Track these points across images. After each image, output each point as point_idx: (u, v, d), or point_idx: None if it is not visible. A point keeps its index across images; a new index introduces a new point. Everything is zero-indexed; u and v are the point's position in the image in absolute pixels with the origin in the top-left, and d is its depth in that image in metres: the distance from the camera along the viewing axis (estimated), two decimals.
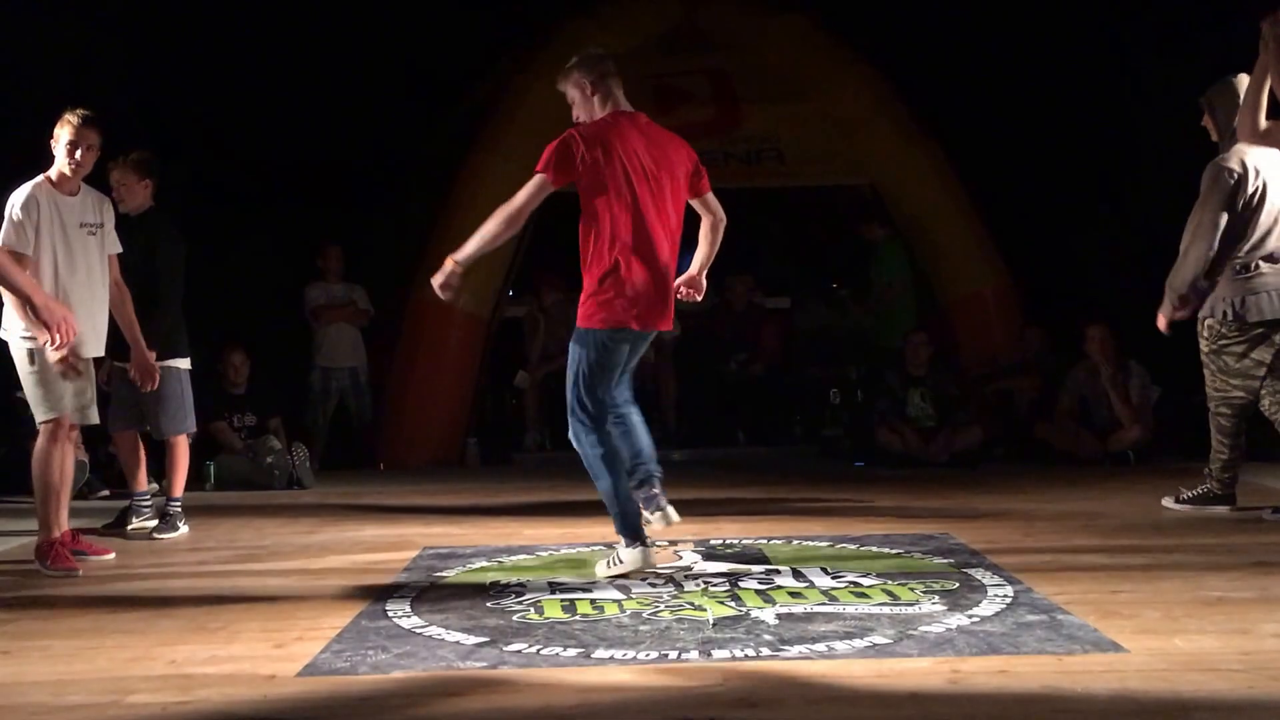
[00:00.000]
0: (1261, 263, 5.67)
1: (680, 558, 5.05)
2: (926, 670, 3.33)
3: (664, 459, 9.14)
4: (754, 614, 4.00)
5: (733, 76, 10.02)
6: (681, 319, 9.85)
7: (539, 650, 3.60)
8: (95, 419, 5.52)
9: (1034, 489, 7.15)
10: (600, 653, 3.56)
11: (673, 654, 3.53)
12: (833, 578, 4.55)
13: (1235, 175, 5.62)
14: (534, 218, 9.59)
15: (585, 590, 4.45)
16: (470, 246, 4.67)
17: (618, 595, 4.34)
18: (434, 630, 3.88)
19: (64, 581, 4.97)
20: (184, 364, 6.23)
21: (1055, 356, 9.13)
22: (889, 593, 4.27)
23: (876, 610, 4.02)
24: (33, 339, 5.11)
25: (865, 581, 4.47)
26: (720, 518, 6.22)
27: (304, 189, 9.41)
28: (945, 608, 4.02)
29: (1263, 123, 5.44)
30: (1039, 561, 4.80)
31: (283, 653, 3.66)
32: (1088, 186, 9.60)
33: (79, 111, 5.25)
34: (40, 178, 5.24)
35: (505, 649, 3.62)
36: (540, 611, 4.11)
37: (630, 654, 3.54)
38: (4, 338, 5.25)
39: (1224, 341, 5.78)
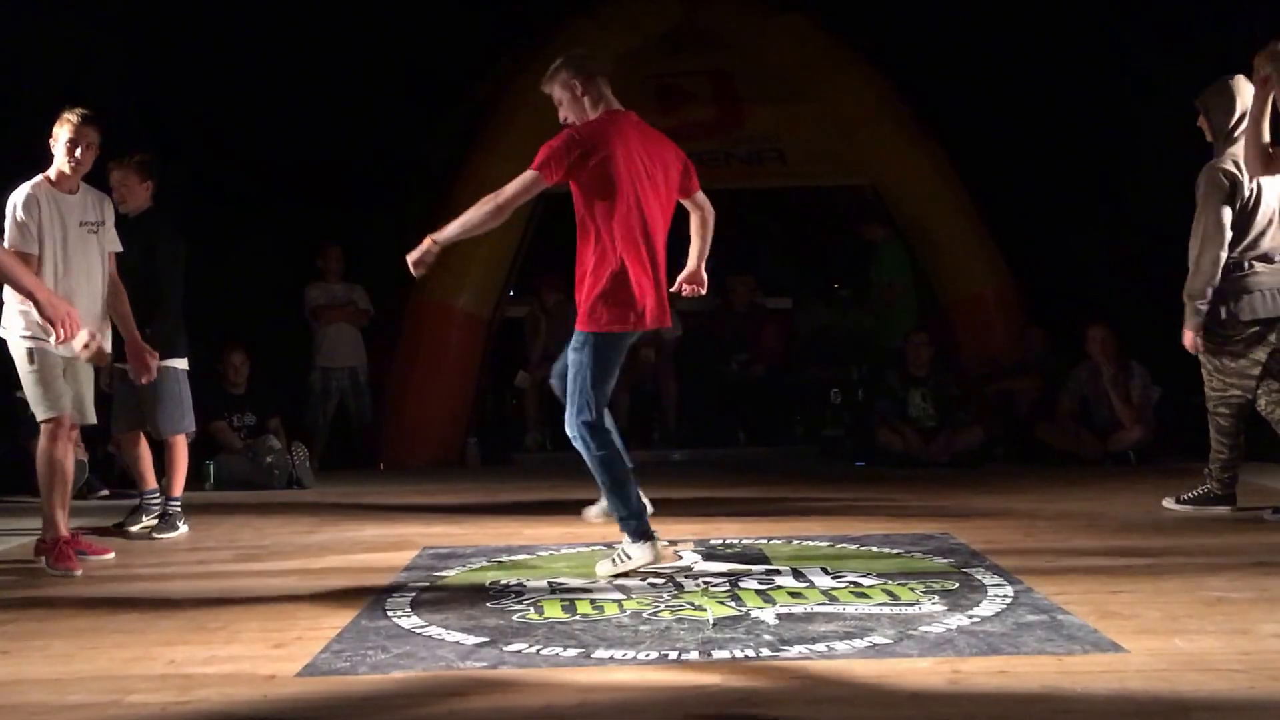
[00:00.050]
0: (1256, 262, 5.69)
1: (680, 558, 5.05)
2: (927, 670, 3.32)
3: (664, 459, 9.30)
4: (754, 614, 4.00)
5: (734, 77, 10.02)
6: (683, 319, 9.90)
7: (539, 650, 3.60)
8: (94, 419, 5.52)
9: (1034, 489, 7.14)
10: (600, 653, 3.56)
11: (673, 654, 3.53)
12: (833, 578, 4.55)
13: (1231, 177, 5.65)
14: (535, 217, 9.64)
15: (585, 590, 4.45)
16: (451, 230, 4.66)
17: (618, 595, 4.34)
18: (434, 630, 3.87)
19: (64, 581, 4.97)
20: (182, 364, 6.23)
21: (1056, 357, 9.13)
22: (889, 593, 4.27)
23: (877, 610, 4.02)
24: (32, 338, 5.11)
25: (865, 581, 4.46)
26: (720, 518, 6.22)
27: (304, 189, 9.41)
28: (945, 608, 4.02)
29: (1269, 150, 5.45)
30: (1039, 562, 4.80)
31: (282, 653, 3.66)
32: (1088, 187, 9.59)
33: (78, 110, 5.26)
34: (39, 177, 5.25)
35: (505, 649, 3.62)
36: (540, 611, 4.11)
37: (630, 654, 3.53)
38: (3, 336, 5.25)
39: (1219, 341, 5.79)
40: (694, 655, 3.51)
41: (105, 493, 7.81)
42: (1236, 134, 5.72)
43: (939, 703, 3.07)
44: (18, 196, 5.16)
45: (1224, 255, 5.65)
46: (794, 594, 4.29)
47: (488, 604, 4.25)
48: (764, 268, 11.15)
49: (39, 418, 5.22)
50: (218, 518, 6.69)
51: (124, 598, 4.58)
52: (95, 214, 5.39)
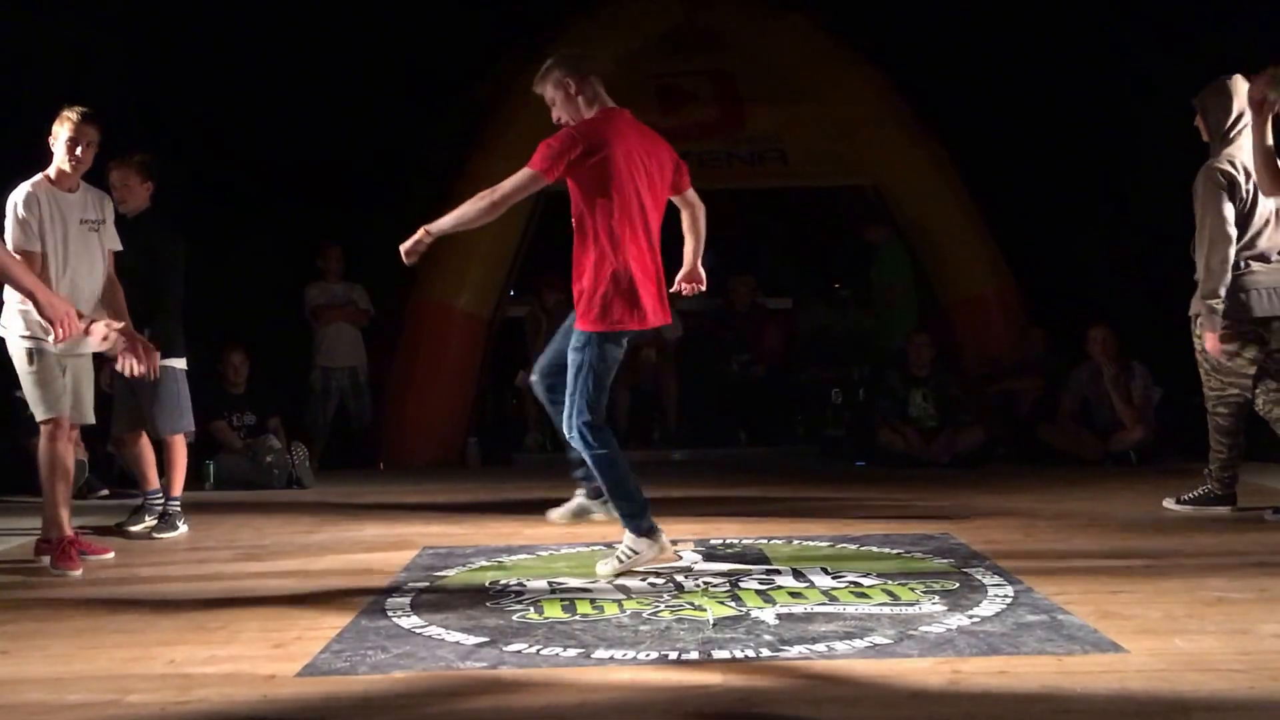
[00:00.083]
0: (1253, 262, 5.70)
1: (680, 558, 5.05)
2: (927, 670, 3.32)
3: (665, 459, 9.29)
4: (754, 614, 4.00)
5: (735, 77, 10.02)
6: (684, 319, 9.90)
7: (539, 650, 3.59)
8: (92, 419, 5.53)
9: (1035, 489, 7.14)
10: (600, 653, 3.55)
11: (673, 654, 3.52)
12: (833, 578, 4.55)
13: (1229, 176, 5.65)
14: (535, 217, 9.63)
15: (585, 590, 4.45)
16: (446, 222, 4.69)
17: (618, 595, 4.33)
18: (434, 630, 3.87)
19: (64, 581, 4.96)
20: (181, 364, 6.23)
21: (1057, 357, 9.14)
22: (889, 593, 4.27)
23: (877, 610, 4.02)
24: (31, 338, 5.11)
25: (865, 581, 4.46)
26: (720, 518, 6.21)
27: (304, 189, 9.41)
28: (945, 608, 4.01)
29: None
30: (1039, 562, 4.80)
31: (282, 653, 3.65)
32: (1089, 187, 9.60)
33: (77, 108, 5.25)
34: (39, 176, 5.24)
35: (505, 649, 3.62)
36: (540, 611, 4.11)
37: (630, 654, 3.53)
38: (3, 335, 5.25)
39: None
40: (694, 655, 3.51)
41: (105, 492, 7.81)
42: (1233, 134, 5.73)
43: (939, 703, 3.07)
44: (18, 195, 5.16)
45: (1233, 252, 5.64)
46: (794, 594, 4.29)
47: (488, 604, 4.25)
48: (765, 268, 11.15)
49: (37, 418, 5.22)
50: (218, 517, 6.68)
51: (124, 598, 4.58)
52: (95, 212, 5.39)
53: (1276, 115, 5.46)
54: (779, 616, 3.96)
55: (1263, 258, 5.70)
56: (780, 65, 9.90)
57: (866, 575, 4.57)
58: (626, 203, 4.61)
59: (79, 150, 5.24)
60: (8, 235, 5.10)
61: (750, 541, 5.44)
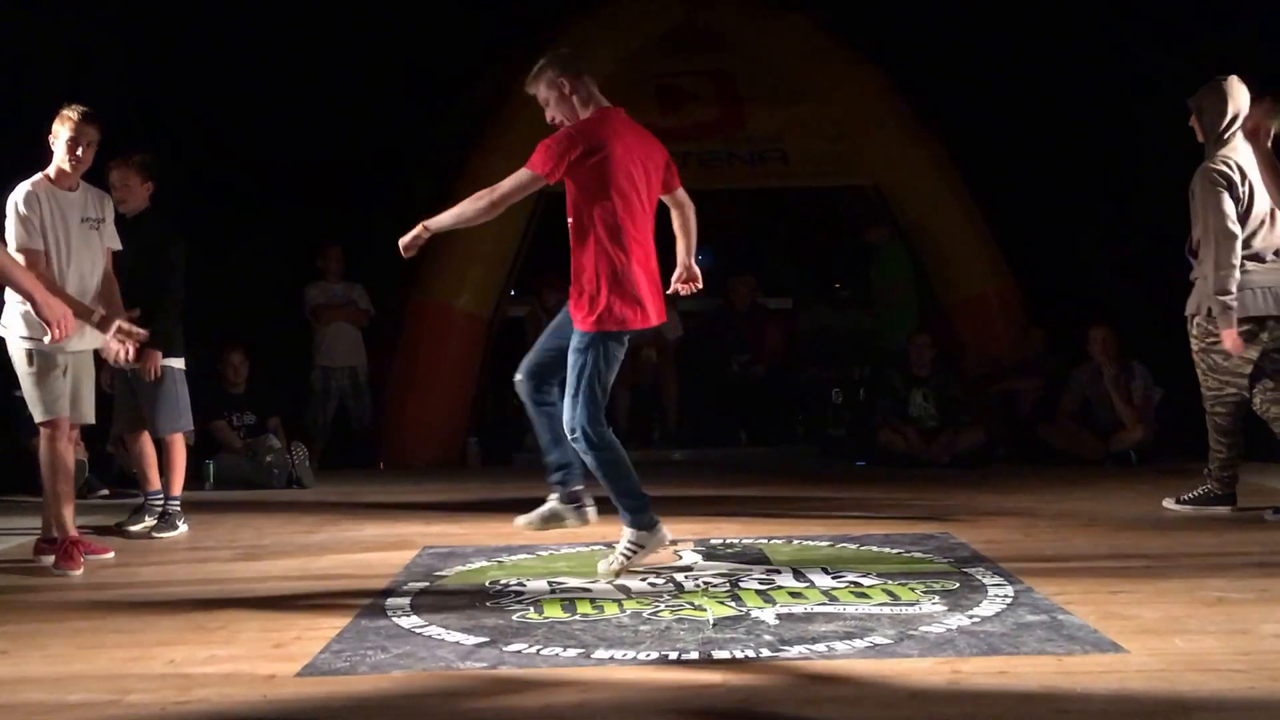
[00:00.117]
0: (1248, 261, 5.70)
1: (680, 558, 5.05)
2: (927, 670, 3.32)
3: (665, 459, 9.29)
4: (754, 614, 4.00)
5: (736, 77, 10.03)
6: (684, 319, 9.90)
7: (539, 650, 3.59)
8: (92, 419, 5.52)
9: (1035, 489, 7.14)
10: (600, 653, 3.55)
11: (673, 654, 3.52)
12: (833, 578, 4.55)
13: (1226, 175, 5.66)
14: (535, 217, 9.62)
15: (585, 590, 4.45)
16: (444, 220, 4.69)
17: (618, 595, 4.33)
18: (434, 630, 3.87)
19: (64, 581, 4.96)
20: (179, 364, 6.24)
21: (1058, 357, 9.14)
22: (889, 593, 4.26)
23: (877, 610, 4.02)
24: (31, 339, 5.10)
25: (866, 581, 4.46)
26: (720, 518, 6.22)
27: (304, 189, 9.40)
28: (946, 608, 4.01)
29: None
30: (1039, 562, 4.80)
31: (282, 653, 3.65)
32: (1090, 187, 9.59)
33: (78, 108, 5.25)
34: (38, 175, 5.24)
35: (505, 649, 3.62)
36: (540, 611, 4.11)
37: (630, 654, 3.53)
38: (3, 335, 5.25)
39: (1211, 340, 5.80)
40: (694, 655, 3.51)
41: (105, 492, 7.80)
42: (1227, 135, 5.74)
43: (939, 703, 3.07)
44: (17, 195, 5.16)
45: (1239, 247, 5.63)
46: (794, 594, 4.29)
47: (488, 604, 4.25)
48: (766, 268, 11.15)
49: (36, 419, 5.22)
50: (217, 517, 6.68)
51: (124, 598, 4.58)
52: (96, 211, 5.40)
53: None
54: (779, 616, 3.96)
55: (1258, 257, 5.71)
56: (781, 65, 9.90)
57: (866, 575, 4.57)
58: (627, 202, 4.61)
59: (79, 150, 5.24)
60: (10, 235, 5.11)
61: (750, 541, 5.44)
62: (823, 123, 9.79)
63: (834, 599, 4.19)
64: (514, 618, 4.01)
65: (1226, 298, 5.63)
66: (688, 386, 10.00)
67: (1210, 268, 5.68)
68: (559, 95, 4.70)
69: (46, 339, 4.86)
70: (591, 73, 4.76)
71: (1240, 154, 5.71)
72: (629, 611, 4.07)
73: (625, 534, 4.72)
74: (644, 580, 4.59)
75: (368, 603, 4.29)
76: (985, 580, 4.44)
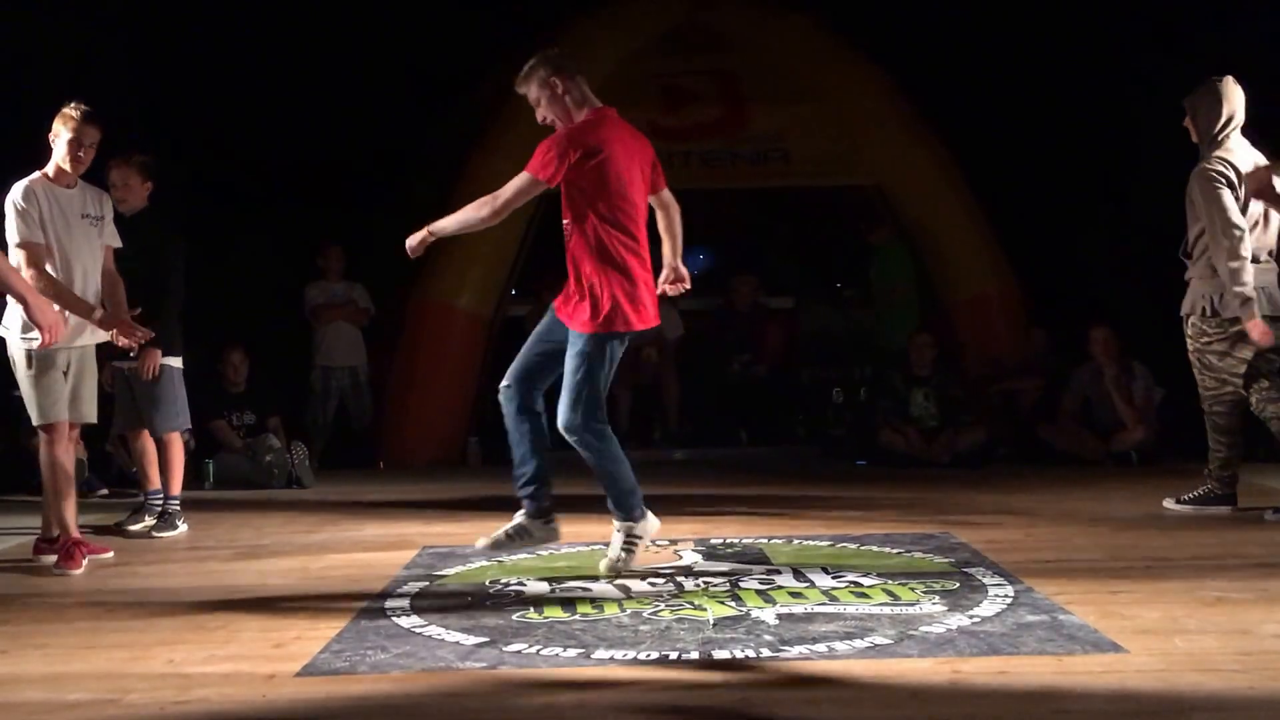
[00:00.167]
0: None
1: (680, 557, 5.05)
2: (927, 670, 3.32)
3: (666, 458, 9.28)
4: (754, 614, 3.99)
5: (739, 77, 10.02)
6: (686, 319, 9.90)
7: (539, 650, 3.59)
8: (94, 418, 5.52)
9: (1036, 489, 7.14)
10: (600, 653, 3.55)
11: (673, 654, 3.52)
12: (833, 577, 4.54)
13: (1224, 175, 5.65)
14: (536, 217, 9.62)
15: (585, 590, 4.44)
16: (448, 225, 4.72)
17: (618, 595, 4.33)
18: (433, 630, 3.87)
19: (63, 581, 4.97)
20: (177, 362, 6.24)
21: (1059, 357, 9.13)
22: (890, 593, 4.26)
23: (877, 610, 4.01)
24: (31, 341, 5.10)
25: (866, 581, 4.46)
26: (720, 517, 6.22)
27: (304, 189, 9.40)
28: (946, 608, 4.01)
29: None
30: (1040, 561, 4.80)
31: (282, 652, 3.65)
32: (1091, 187, 9.59)
33: (80, 107, 5.25)
34: (36, 174, 5.24)
35: (505, 649, 3.62)
36: (540, 611, 4.10)
37: (630, 654, 3.53)
38: (4, 335, 5.24)
39: (1206, 339, 5.81)
40: (694, 655, 3.51)
41: (104, 491, 7.80)
42: (1221, 137, 5.73)
43: (939, 703, 3.07)
44: (15, 192, 5.16)
45: (1248, 239, 5.61)
46: (794, 594, 4.28)
47: (488, 604, 4.25)
48: (767, 267, 11.14)
49: (33, 422, 5.23)
50: (217, 516, 6.68)
51: (123, 597, 4.58)
52: (95, 209, 5.40)
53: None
54: (779, 616, 3.96)
55: (1252, 258, 5.70)
56: (783, 65, 9.90)
57: (867, 575, 4.57)
58: (626, 203, 4.61)
59: (81, 152, 5.25)
60: (10, 230, 5.10)
61: (750, 541, 5.44)
62: (825, 122, 9.79)
63: (834, 599, 4.19)
64: (514, 618, 4.01)
65: (1244, 289, 5.58)
66: (688, 386, 10.00)
67: (1221, 264, 5.63)
68: (551, 95, 4.67)
69: (36, 343, 4.88)
70: (584, 72, 4.75)
71: (1236, 155, 5.70)
72: (629, 611, 4.07)
73: (621, 528, 4.72)
74: (644, 580, 4.58)
75: (367, 603, 4.29)
76: (985, 580, 4.44)
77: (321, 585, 4.72)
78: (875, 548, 5.21)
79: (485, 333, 9.66)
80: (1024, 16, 9.49)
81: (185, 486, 6.35)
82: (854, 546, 5.26)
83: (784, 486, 7.59)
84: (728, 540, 5.46)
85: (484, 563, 5.05)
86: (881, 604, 4.10)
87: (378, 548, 5.56)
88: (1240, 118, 5.74)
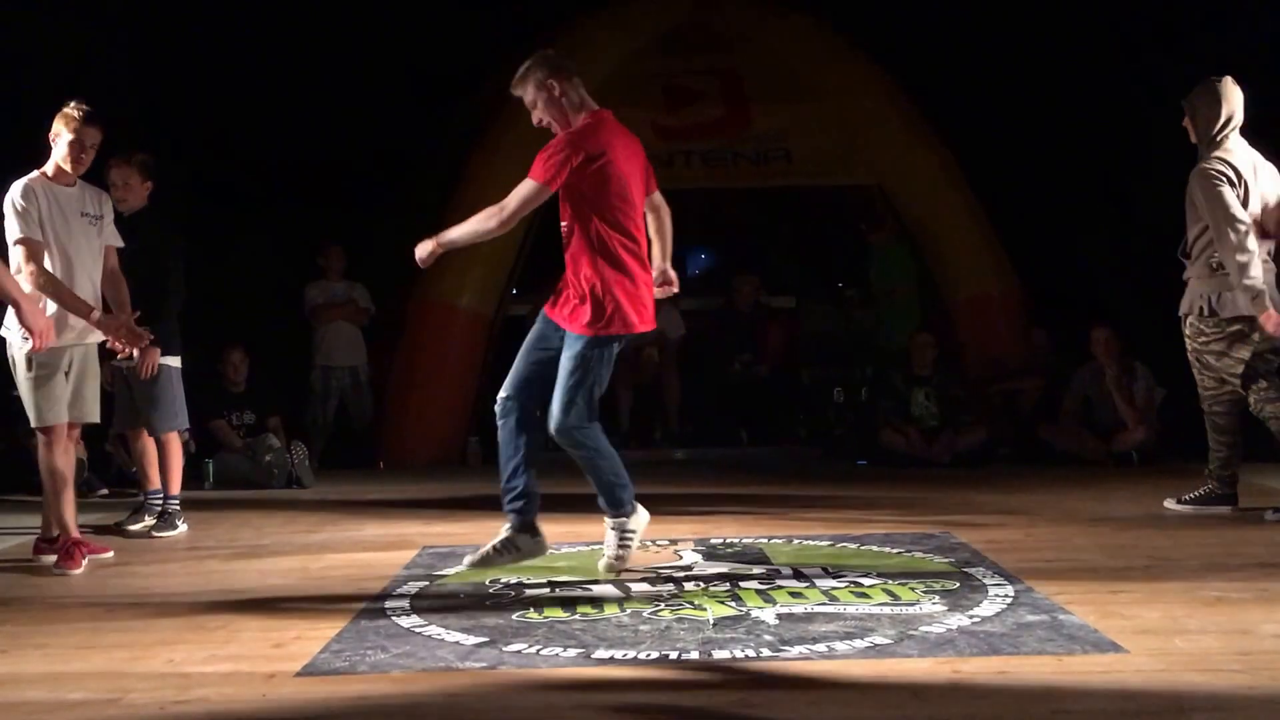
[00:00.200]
0: None
1: (680, 557, 5.05)
2: (927, 670, 3.32)
3: (666, 458, 9.28)
4: (754, 614, 3.99)
5: (741, 77, 10.03)
6: (687, 318, 9.90)
7: (539, 650, 3.59)
8: (96, 418, 5.52)
9: (1036, 489, 7.13)
10: (600, 653, 3.55)
11: (673, 654, 3.52)
12: (833, 577, 4.54)
13: (1225, 175, 5.65)
14: (536, 216, 9.61)
15: (585, 590, 4.44)
16: (457, 237, 4.71)
17: (618, 595, 4.33)
18: (433, 630, 3.87)
19: (63, 580, 4.96)
20: (176, 362, 6.24)
21: (1060, 357, 9.13)
22: (890, 593, 4.26)
23: (877, 610, 4.01)
24: (28, 344, 5.10)
25: (866, 581, 4.46)
26: (721, 517, 6.21)
27: (304, 189, 9.41)
28: (946, 608, 4.01)
29: None
30: (1040, 561, 4.80)
31: (282, 652, 3.65)
32: (1093, 188, 9.59)
33: (81, 108, 5.24)
34: (35, 173, 5.24)
35: (505, 649, 3.61)
36: (540, 611, 4.10)
37: (630, 654, 3.53)
38: (4, 336, 5.24)
39: (1204, 339, 5.80)
40: (694, 655, 3.51)
41: (104, 491, 7.81)
42: (1219, 138, 5.72)
43: (939, 703, 3.07)
44: (14, 191, 5.15)
45: (1254, 233, 5.60)
46: (794, 594, 4.28)
47: (488, 604, 4.25)
48: (769, 267, 11.14)
49: (32, 424, 5.22)
50: (217, 517, 6.68)
51: (123, 597, 4.58)
52: (94, 208, 5.40)
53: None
54: (779, 616, 3.95)
55: None
56: (785, 65, 9.91)
57: (867, 575, 4.57)
58: (626, 206, 4.61)
59: (83, 153, 5.25)
60: (10, 228, 5.10)
61: (750, 541, 5.43)
62: (827, 122, 9.79)
63: (834, 599, 4.18)
64: (514, 618, 4.01)
65: (1254, 282, 5.51)
66: (689, 386, 10.00)
67: (1229, 260, 5.58)
68: (549, 97, 4.65)
69: (27, 347, 4.88)
70: (580, 74, 4.74)
71: (1235, 155, 5.69)
72: (629, 611, 4.07)
73: (614, 525, 4.72)
74: (644, 580, 4.58)
75: (367, 603, 4.29)
76: (985, 580, 4.43)
77: (321, 585, 4.72)
78: (875, 548, 5.20)
79: (486, 332, 9.66)
80: (1024, 17, 9.50)
81: (185, 486, 6.36)
82: (854, 546, 5.26)
83: (784, 486, 7.59)
84: (728, 540, 5.46)
85: None
86: (881, 604, 4.10)
87: (377, 548, 5.56)
88: (1239, 118, 5.74)
